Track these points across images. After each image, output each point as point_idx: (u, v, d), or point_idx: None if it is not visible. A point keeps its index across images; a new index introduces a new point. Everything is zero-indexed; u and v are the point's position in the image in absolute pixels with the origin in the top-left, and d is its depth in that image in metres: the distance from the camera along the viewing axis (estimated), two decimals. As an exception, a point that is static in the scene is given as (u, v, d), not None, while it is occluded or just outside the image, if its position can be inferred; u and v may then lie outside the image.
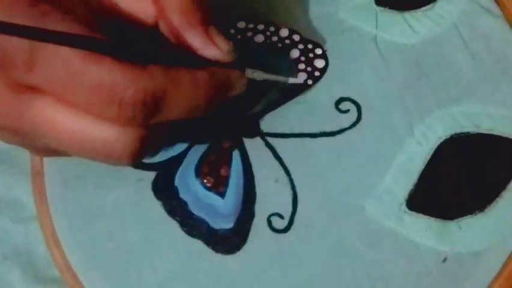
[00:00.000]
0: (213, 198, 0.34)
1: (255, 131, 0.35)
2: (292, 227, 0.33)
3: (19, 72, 0.25)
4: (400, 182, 0.33)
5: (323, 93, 0.35)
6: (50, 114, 0.26)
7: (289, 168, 0.34)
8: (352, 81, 0.35)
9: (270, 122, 0.35)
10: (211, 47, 0.29)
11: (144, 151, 0.28)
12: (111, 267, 0.33)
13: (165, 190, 0.34)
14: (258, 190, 0.34)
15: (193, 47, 0.29)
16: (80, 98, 0.26)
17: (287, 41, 0.36)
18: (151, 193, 0.34)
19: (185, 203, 0.34)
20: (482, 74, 0.35)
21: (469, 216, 0.33)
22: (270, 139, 0.35)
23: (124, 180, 0.34)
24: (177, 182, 0.34)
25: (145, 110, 0.26)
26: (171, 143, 0.34)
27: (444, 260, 0.32)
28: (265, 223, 0.33)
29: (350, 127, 0.35)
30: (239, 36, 0.36)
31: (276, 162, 0.34)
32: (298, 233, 0.33)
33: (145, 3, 0.29)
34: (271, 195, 0.34)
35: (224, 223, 0.33)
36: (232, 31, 0.36)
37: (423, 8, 0.37)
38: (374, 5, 0.37)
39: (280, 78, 0.34)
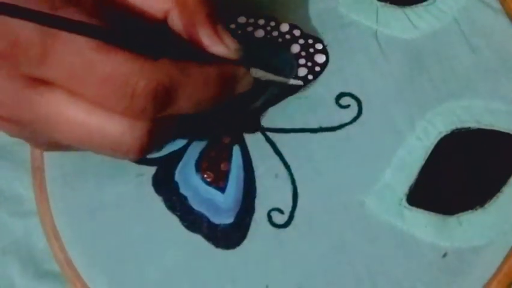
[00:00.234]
0: (213, 193, 0.34)
1: (256, 126, 0.35)
2: (293, 222, 0.33)
3: (32, 64, 0.25)
4: (400, 177, 0.33)
5: (323, 89, 0.35)
6: (61, 107, 0.26)
7: (290, 163, 0.34)
8: (352, 77, 0.35)
9: (270, 117, 0.35)
10: (220, 44, 0.29)
11: (152, 145, 0.28)
12: (111, 261, 0.33)
13: (165, 185, 0.34)
14: (258, 185, 0.34)
15: (203, 43, 0.29)
16: (92, 90, 0.26)
17: (288, 36, 0.36)
18: (152, 188, 0.34)
19: (185, 198, 0.34)
20: (482, 69, 0.35)
21: (469, 211, 0.33)
22: (270, 134, 0.35)
23: (124, 175, 0.34)
24: (177, 177, 0.34)
25: (156, 102, 0.26)
26: (174, 138, 0.34)
27: (445, 255, 0.32)
28: (266, 218, 0.33)
29: (351, 122, 0.35)
30: (239, 31, 0.36)
31: (276, 158, 0.34)
32: (298, 228, 0.33)
33: None
34: (271, 190, 0.34)
35: (224, 218, 0.33)
36: (233, 26, 0.36)
37: (424, 3, 0.37)
38: (375, 0, 0.37)
39: (282, 79, 0.34)
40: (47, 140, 0.29)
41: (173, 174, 0.34)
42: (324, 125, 0.35)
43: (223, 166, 0.34)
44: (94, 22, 0.26)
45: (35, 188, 0.35)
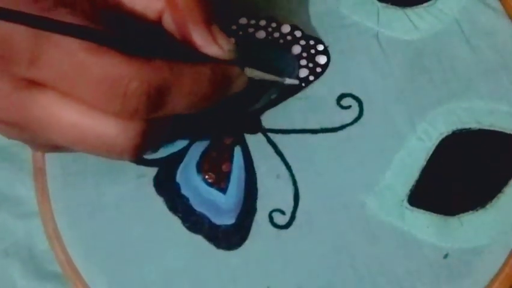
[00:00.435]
0: (215, 194, 0.34)
1: (257, 127, 0.35)
2: (294, 223, 0.33)
3: (23, 66, 0.25)
4: (401, 178, 0.33)
5: (324, 89, 0.35)
6: (54, 109, 0.26)
7: (291, 164, 0.34)
8: (354, 77, 0.35)
9: (271, 118, 0.35)
10: (213, 45, 0.29)
11: (146, 146, 0.28)
12: (112, 262, 0.33)
13: (167, 186, 0.34)
14: (259, 186, 0.34)
15: (196, 43, 0.29)
16: (84, 91, 0.26)
17: (289, 37, 0.36)
18: (153, 189, 0.34)
19: (186, 199, 0.34)
20: (483, 70, 0.35)
21: (471, 212, 0.33)
22: (271, 135, 0.35)
23: (126, 176, 0.34)
24: (179, 178, 0.34)
25: (148, 103, 0.26)
26: (172, 140, 0.34)
27: (446, 256, 0.32)
28: (267, 219, 0.33)
29: (352, 123, 0.35)
30: (241, 33, 0.36)
31: (277, 158, 0.34)
32: (299, 229, 0.33)
33: None
34: (272, 191, 0.34)
35: (226, 219, 0.33)
36: (234, 27, 0.36)
37: (425, 4, 0.37)
38: (376, 1, 0.37)
39: (278, 79, 0.34)
40: (44, 142, 0.29)
41: (174, 175, 0.34)
42: (325, 125, 0.35)
43: (224, 167, 0.34)
44: (88, 23, 0.26)
45: (36, 189, 0.35)
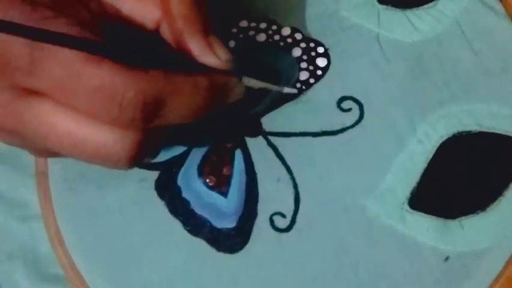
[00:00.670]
0: (216, 197, 0.34)
1: (257, 130, 0.35)
2: (295, 226, 0.33)
3: (20, 75, 0.26)
4: (402, 181, 0.33)
5: (325, 92, 0.35)
6: (50, 117, 0.26)
7: (291, 167, 0.34)
8: (354, 80, 0.35)
9: (272, 121, 0.35)
10: (210, 55, 0.29)
11: (142, 155, 0.28)
12: (114, 266, 0.33)
13: (168, 189, 0.34)
14: (260, 189, 0.34)
15: (193, 53, 0.29)
16: (80, 101, 0.26)
17: (289, 40, 0.36)
18: (154, 192, 0.34)
19: (187, 202, 0.34)
20: (484, 72, 0.35)
21: (471, 215, 0.33)
22: (272, 138, 0.35)
23: (127, 180, 0.34)
24: (180, 181, 0.34)
25: (145, 113, 0.26)
26: (172, 145, 0.34)
27: (447, 259, 0.32)
28: (268, 222, 0.33)
29: (352, 126, 0.35)
30: (241, 35, 0.36)
31: (278, 162, 0.34)
32: (300, 232, 0.33)
33: (147, 7, 0.29)
34: (273, 194, 0.34)
35: (226, 222, 0.33)
36: (234, 30, 0.36)
37: (425, 6, 0.36)
38: (376, 3, 0.37)
39: (276, 88, 0.34)
40: (43, 148, 0.29)
41: (175, 179, 0.34)
42: (326, 128, 0.35)
43: (225, 170, 0.34)
44: (86, 33, 0.26)
45: (39, 192, 0.35)
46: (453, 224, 0.33)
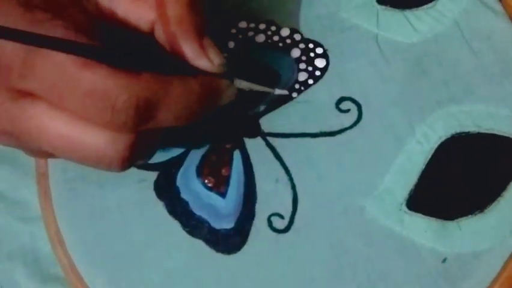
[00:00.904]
0: (214, 198, 0.34)
1: (256, 131, 0.35)
2: (293, 227, 0.33)
3: (14, 77, 0.26)
4: (400, 182, 0.33)
5: (323, 93, 0.35)
6: (44, 120, 0.27)
7: (290, 168, 0.34)
8: (353, 81, 0.35)
9: (270, 122, 0.35)
10: (203, 58, 0.29)
11: (134, 157, 0.28)
12: (114, 266, 0.33)
13: (167, 190, 0.34)
14: (258, 190, 0.34)
15: (186, 56, 0.29)
16: (73, 103, 0.26)
17: (288, 41, 0.36)
18: (153, 193, 0.34)
19: (186, 203, 0.34)
20: (483, 73, 0.35)
21: (469, 216, 0.33)
22: (270, 139, 0.35)
23: (127, 181, 0.34)
24: (179, 182, 0.34)
25: (137, 116, 0.26)
26: (170, 147, 0.35)
27: (444, 260, 0.32)
28: (266, 223, 0.33)
29: (351, 127, 0.35)
30: (240, 36, 0.36)
31: (276, 162, 0.34)
32: (298, 233, 0.33)
33: (142, 9, 0.29)
34: (271, 195, 0.34)
35: (225, 223, 0.34)
36: (234, 31, 0.36)
37: (424, 6, 0.36)
38: (376, 4, 0.37)
39: (267, 89, 0.34)
40: (38, 149, 0.29)
41: (174, 179, 0.34)
42: (324, 129, 0.35)
43: (224, 171, 0.34)
44: (81, 35, 0.26)
45: (39, 193, 0.36)
46: (451, 225, 0.33)
